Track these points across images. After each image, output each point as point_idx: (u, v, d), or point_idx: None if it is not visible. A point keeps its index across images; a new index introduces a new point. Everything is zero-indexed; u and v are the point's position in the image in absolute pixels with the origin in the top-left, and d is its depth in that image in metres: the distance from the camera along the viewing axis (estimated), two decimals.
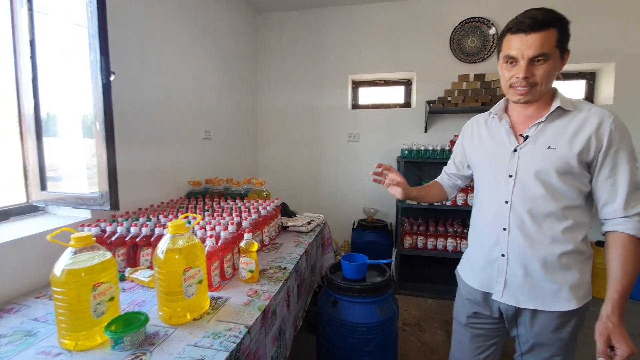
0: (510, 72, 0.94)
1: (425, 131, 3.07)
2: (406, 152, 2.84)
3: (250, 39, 3.24)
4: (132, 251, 1.25)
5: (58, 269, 0.82)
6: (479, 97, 2.71)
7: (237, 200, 1.83)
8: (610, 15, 2.69)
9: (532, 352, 1.04)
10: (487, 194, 1.07)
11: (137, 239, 1.24)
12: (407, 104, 3.28)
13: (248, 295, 1.10)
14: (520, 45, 0.89)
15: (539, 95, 0.95)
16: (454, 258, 2.75)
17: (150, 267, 1.23)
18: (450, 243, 2.68)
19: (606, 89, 2.85)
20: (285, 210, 2.16)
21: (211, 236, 1.13)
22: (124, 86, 1.65)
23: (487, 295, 1.07)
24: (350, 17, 3.13)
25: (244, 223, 1.39)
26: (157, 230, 1.22)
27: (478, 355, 1.15)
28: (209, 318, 0.95)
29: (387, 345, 1.51)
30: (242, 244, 1.19)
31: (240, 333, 0.88)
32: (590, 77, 2.98)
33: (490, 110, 1.10)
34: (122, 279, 1.19)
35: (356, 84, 3.39)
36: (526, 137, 0.98)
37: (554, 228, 0.95)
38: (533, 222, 0.96)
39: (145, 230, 1.24)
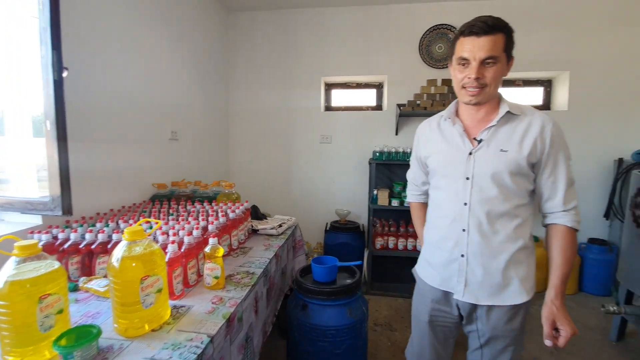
0: (462, 74, 0.98)
1: (396, 133, 3.14)
2: (378, 154, 2.89)
3: (222, 38, 3.17)
4: (87, 259, 1.18)
5: (0, 280, 0.76)
6: (446, 102, 2.80)
7: (205, 204, 1.78)
8: (565, 27, 2.88)
9: (488, 345, 1.09)
10: (447, 196, 1.09)
11: (93, 246, 1.16)
12: (378, 107, 3.33)
13: (212, 303, 1.06)
14: (473, 47, 0.94)
15: (488, 97, 1.00)
16: None
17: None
18: (419, 243, 2.75)
19: (561, 96, 3.04)
20: (255, 213, 2.12)
21: (173, 242, 1.08)
22: (81, 82, 1.55)
23: (447, 294, 1.10)
24: (322, 19, 3.15)
25: (210, 227, 1.35)
26: (115, 237, 1.16)
27: (441, 351, 1.18)
28: (169, 328, 0.91)
29: (356, 347, 1.52)
30: (207, 249, 1.15)
31: (202, 343, 0.85)
32: (548, 85, 3.17)
33: (442, 113, 1.14)
34: (76, 289, 1.11)
35: (329, 86, 3.41)
36: (480, 141, 1.02)
37: (507, 227, 1.01)
38: (489, 222, 1.01)
39: (101, 237, 1.17)
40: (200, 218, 1.45)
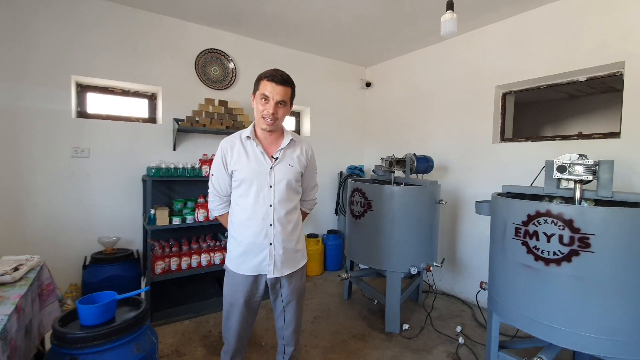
0: (263, 107, 1.37)
1: (174, 149, 3.02)
2: (154, 170, 2.67)
3: None
4: None
5: None
6: (223, 121, 3.01)
7: None
8: (306, 76, 3.85)
9: (289, 304, 1.53)
10: (256, 201, 1.42)
11: None
12: (152, 120, 3.08)
13: None
14: (272, 90, 1.35)
15: (278, 127, 1.47)
16: (209, 272, 2.85)
17: None
18: (204, 258, 2.76)
19: (306, 125, 4.02)
20: None
21: None
22: None
23: (257, 276, 1.45)
24: (74, 6, 2.57)
25: None
26: None
27: (250, 319, 1.52)
28: None
29: None
30: None
31: None
32: (298, 116, 4.10)
33: (241, 133, 1.48)
34: None
35: (83, 88, 2.79)
36: (276, 158, 1.45)
37: (293, 217, 1.50)
38: (286, 216, 1.45)
39: None
40: None
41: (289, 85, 1.39)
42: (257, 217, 1.41)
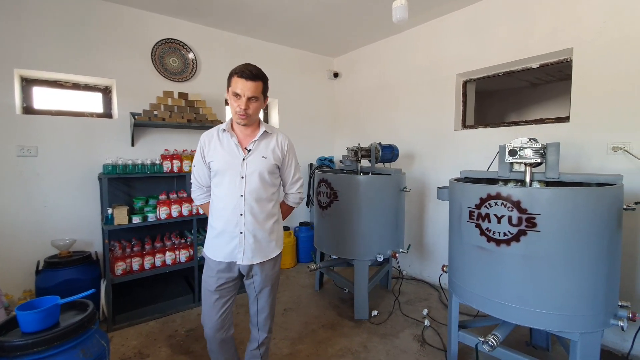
0: (236, 103, 1.40)
1: (133, 145, 2.88)
2: (110, 167, 2.54)
3: None
4: None
5: None
6: (184, 114, 2.90)
7: None
8: (274, 68, 3.76)
9: (262, 291, 1.57)
10: (228, 191, 1.47)
11: None
12: (108, 114, 2.92)
13: None
14: (243, 87, 1.37)
15: (252, 121, 1.49)
16: (176, 270, 2.78)
17: None
18: (169, 256, 2.67)
19: (274, 116, 3.96)
20: None
21: None
22: None
23: (230, 263, 1.49)
24: None
25: None
26: None
27: (225, 307, 1.53)
28: None
29: None
30: None
31: None
32: (266, 107, 4.03)
33: (224, 128, 1.51)
34: None
35: (28, 82, 2.60)
36: (249, 150, 1.48)
37: (267, 207, 1.52)
38: (258, 206, 1.48)
39: None
40: None
41: (260, 79, 1.40)
42: (228, 207, 1.47)
